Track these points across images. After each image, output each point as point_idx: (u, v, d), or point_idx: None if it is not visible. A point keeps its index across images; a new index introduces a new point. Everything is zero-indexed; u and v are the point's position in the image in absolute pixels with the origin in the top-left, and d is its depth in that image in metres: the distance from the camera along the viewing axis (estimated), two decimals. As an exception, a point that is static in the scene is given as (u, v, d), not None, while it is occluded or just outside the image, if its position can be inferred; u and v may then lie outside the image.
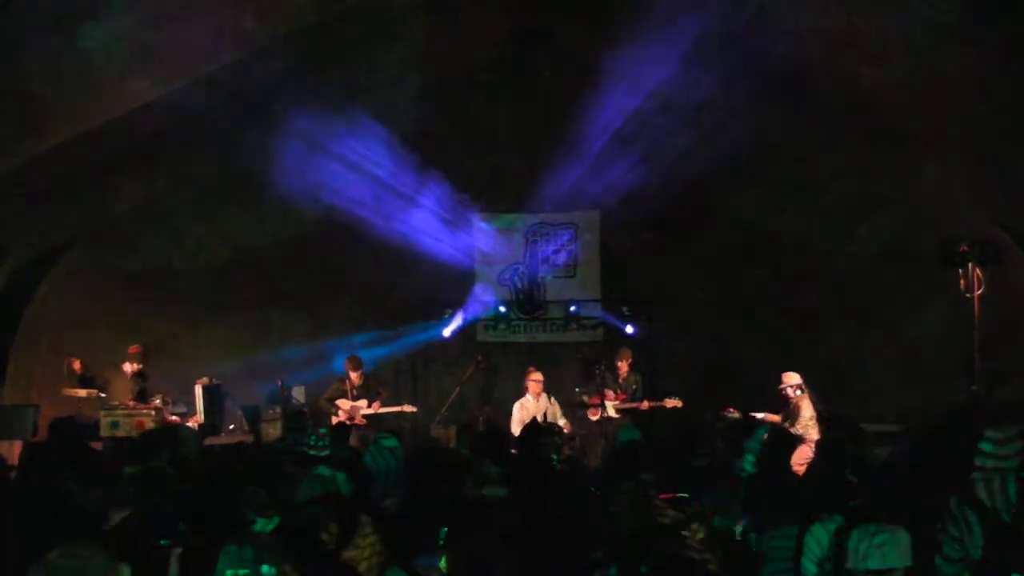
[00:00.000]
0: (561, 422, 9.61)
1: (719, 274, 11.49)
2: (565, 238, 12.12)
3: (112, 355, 10.40)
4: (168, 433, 6.87)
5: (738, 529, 4.16)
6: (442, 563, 3.68)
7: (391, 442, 5.30)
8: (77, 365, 9.57)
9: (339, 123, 10.19)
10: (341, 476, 4.41)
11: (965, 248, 8.26)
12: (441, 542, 3.65)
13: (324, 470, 4.45)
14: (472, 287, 11.92)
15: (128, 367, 9.58)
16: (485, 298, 11.93)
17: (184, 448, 6.52)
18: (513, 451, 6.10)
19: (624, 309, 11.40)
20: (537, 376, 10.09)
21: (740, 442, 5.40)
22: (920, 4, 7.59)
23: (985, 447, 3.70)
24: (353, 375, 10.19)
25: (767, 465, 4.76)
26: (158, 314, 11.19)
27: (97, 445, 8.27)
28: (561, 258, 12.12)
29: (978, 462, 3.69)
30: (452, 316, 11.63)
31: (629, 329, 11.31)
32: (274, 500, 4.25)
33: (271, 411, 10.18)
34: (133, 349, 9.67)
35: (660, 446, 6.77)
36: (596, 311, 11.96)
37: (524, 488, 4.80)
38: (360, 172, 10.74)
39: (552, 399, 10.10)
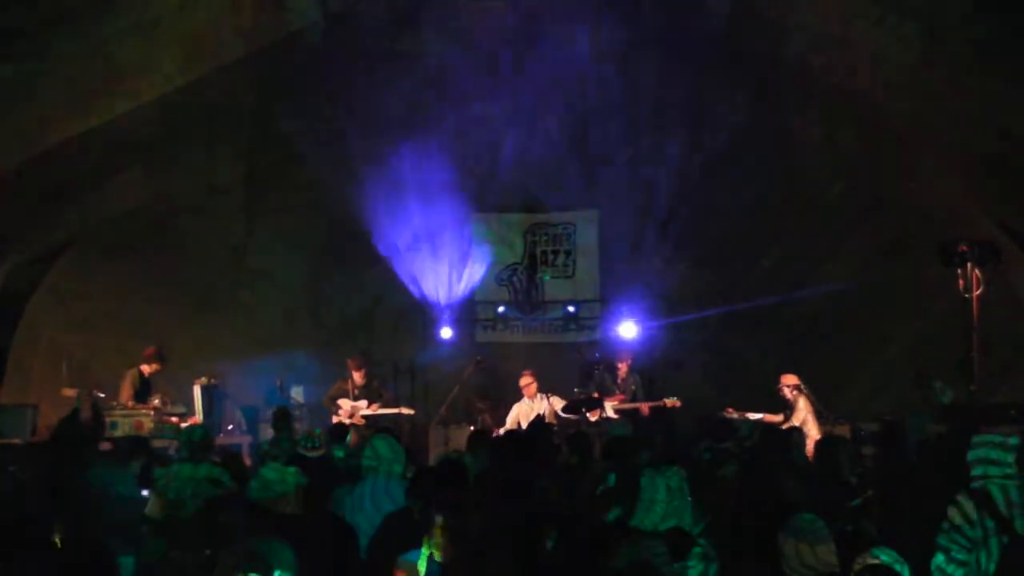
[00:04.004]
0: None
1: (718, 274, 11.48)
2: (564, 238, 12.11)
3: (111, 355, 10.42)
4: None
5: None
6: (422, 558, 3.69)
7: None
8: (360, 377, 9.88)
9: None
10: (291, 470, 4.35)
11: (964, 248, 8.23)
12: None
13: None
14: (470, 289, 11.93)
15: (147, 368, 9.56)
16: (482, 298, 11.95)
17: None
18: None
19: (623, 309, 11.39)
20: (527, 379, 10.09)
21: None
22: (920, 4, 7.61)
23: (993, 454, 3.55)
24: (356, 375, 10.15)
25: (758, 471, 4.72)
26: (158, 314, 11.19)
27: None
28: (560, 258, 12.12)
29: (986, 471, 3.53)
30: (451, 319, 11.62)
31: (628, 329, 11.30)
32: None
33: (270, 411, 10.15)
34: (148, 351, 9.64)
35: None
36: (595, 311, 11.95)
37: (524, 482, 4.80)
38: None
39: (551, 397, 10.08)
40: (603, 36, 9.83)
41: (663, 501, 3.66)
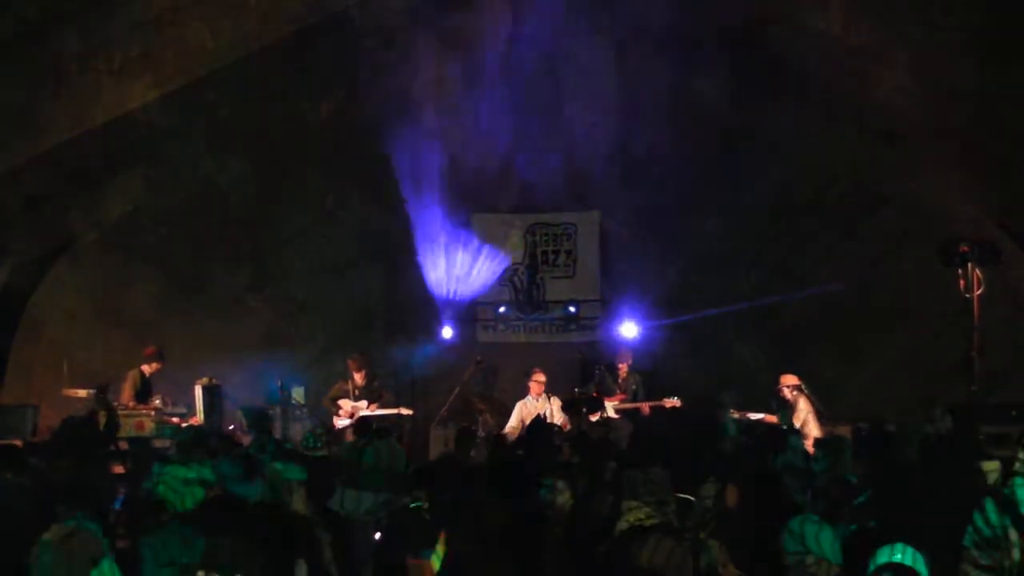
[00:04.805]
0: (559, 419, 9.65)
1: (718, 274, 11.49)
2: (565, 238, 12.12)
3: (111, 355, 10.41)
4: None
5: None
6: (436, 556, 3.69)
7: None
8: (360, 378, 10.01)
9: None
10: (292, 470, 4.37)
11: (965, 248, 8.23)
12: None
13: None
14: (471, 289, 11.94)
15: (147, 368, 9.55)
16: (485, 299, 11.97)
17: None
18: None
19: (624, 309, 11.40)
20: (540, 377, 10.10)
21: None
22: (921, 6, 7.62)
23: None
24: (357, 375, 10.15)
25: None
26: (158, 314, 11.19)
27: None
28: (561, 258, 12.13)
29: (1015, 469, 3.50)
30: (451, 319, 11.63)
31: (629, 329, 11.30)
32: None
33: (271, 411, 10.15)
34: (148, 351, 9.62)
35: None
36: (596, 311, 11.96)
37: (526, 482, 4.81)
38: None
39: (552, 398, 10.10)
40: (604, 35, 9.83)
41: (649, 498, 3.67)
